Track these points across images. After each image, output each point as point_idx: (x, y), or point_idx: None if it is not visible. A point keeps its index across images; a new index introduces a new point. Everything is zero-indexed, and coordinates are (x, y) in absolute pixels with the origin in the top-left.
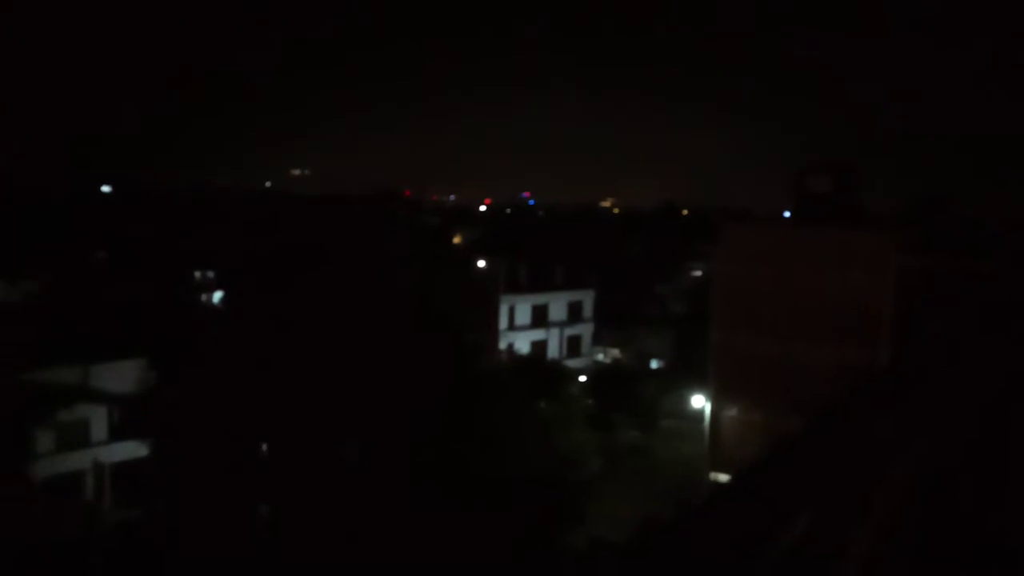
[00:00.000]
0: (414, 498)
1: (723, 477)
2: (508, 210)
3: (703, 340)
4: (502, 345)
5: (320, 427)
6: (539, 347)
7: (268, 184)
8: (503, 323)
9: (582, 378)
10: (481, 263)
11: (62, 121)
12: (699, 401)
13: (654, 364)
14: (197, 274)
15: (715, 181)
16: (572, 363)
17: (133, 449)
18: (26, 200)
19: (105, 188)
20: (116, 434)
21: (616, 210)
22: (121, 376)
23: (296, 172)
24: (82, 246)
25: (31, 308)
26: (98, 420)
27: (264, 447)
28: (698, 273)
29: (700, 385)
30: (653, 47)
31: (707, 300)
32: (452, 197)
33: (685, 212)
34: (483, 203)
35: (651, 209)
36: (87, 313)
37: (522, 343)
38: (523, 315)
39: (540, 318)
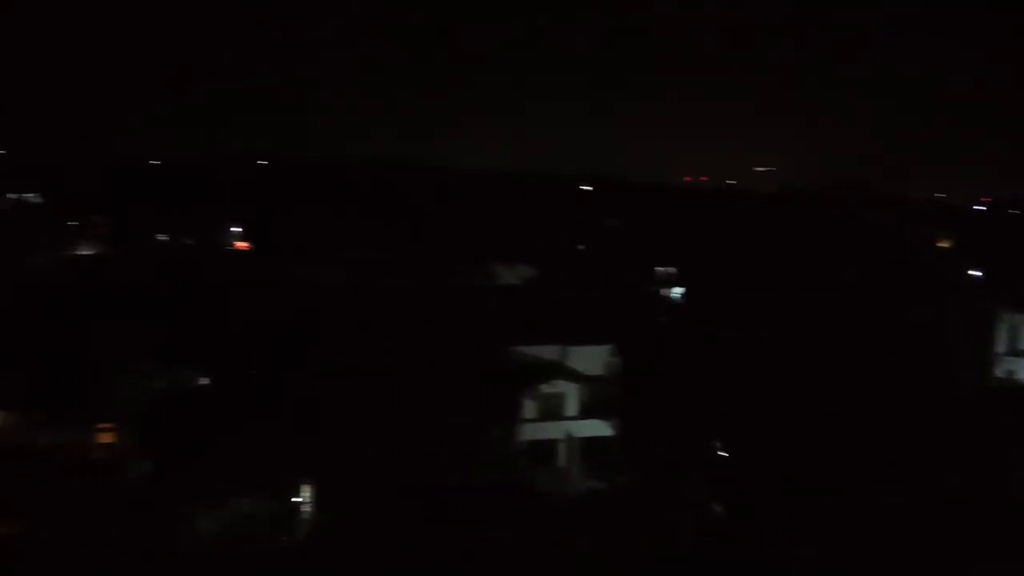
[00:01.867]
0: (883, 520)
1: None
2: (1015, 211)
3: None
4: (1000, 372)
5: (782, 431)
6: None
7: (731, 182)
8: (1002, 346)
9: None
10: (975, 272)
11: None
12: None
13: None
14: (660, 269)
15: None
16: None
17: (598, 427)
18: (521, 194)
19: (586, 187)
20: (585, 411)
21: None
22: (592, 358)
23: (760, 168)
24: (565, 237)
25: (525, 290)
26: (571, 397)
27: (719, 443)
28: None
29: None
30: None
31: None
32: (941, 194)
33: None
34: (980, 201)
35: None
36: (567, 298)
37: None
38: None
39: None
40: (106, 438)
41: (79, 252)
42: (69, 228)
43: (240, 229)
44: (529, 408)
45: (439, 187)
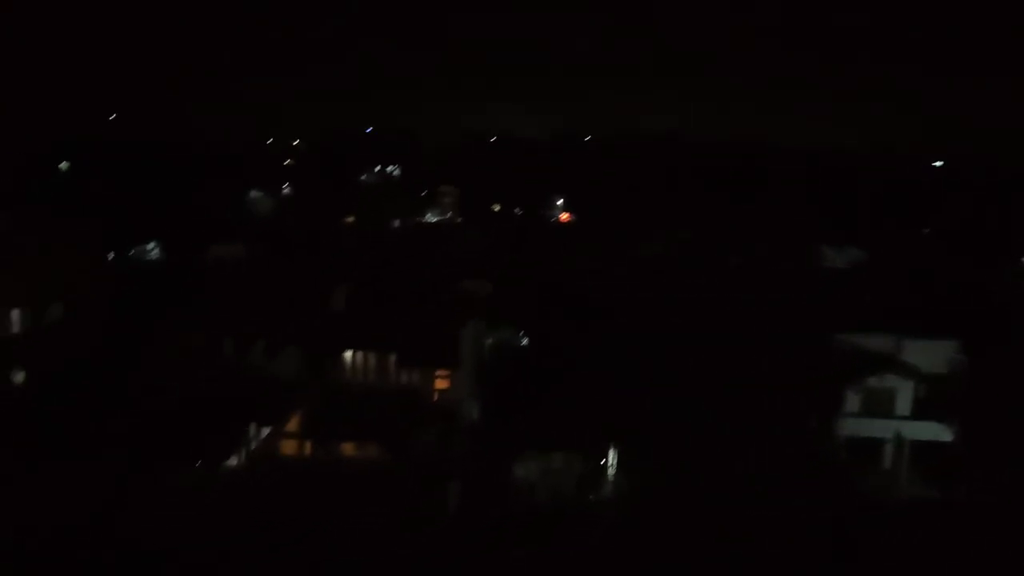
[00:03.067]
0: None
1: None
2: None
3: None
4: None
5: None
6: None
7: None
8: None
9: None
10: None
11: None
12: None
13: None
14: None
15: None
16: None
17: (934, 430)
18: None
19: (936, 164)
20: (919, 411)
21: None
22: (931, 354)
23: None
24: (908, 220)
25: (858, 275)
26: (903, 394)
27: None
28: None
29: None
30: None
31: None
32: None
33: None
34: None
35: None
36: (906, 285)
37: None
38: None
39: None
40: (443, 384)
41: (429, 219)
42: (422, 197)
43: (563, 200)
44: (853, 402)
45: (770, 166)
